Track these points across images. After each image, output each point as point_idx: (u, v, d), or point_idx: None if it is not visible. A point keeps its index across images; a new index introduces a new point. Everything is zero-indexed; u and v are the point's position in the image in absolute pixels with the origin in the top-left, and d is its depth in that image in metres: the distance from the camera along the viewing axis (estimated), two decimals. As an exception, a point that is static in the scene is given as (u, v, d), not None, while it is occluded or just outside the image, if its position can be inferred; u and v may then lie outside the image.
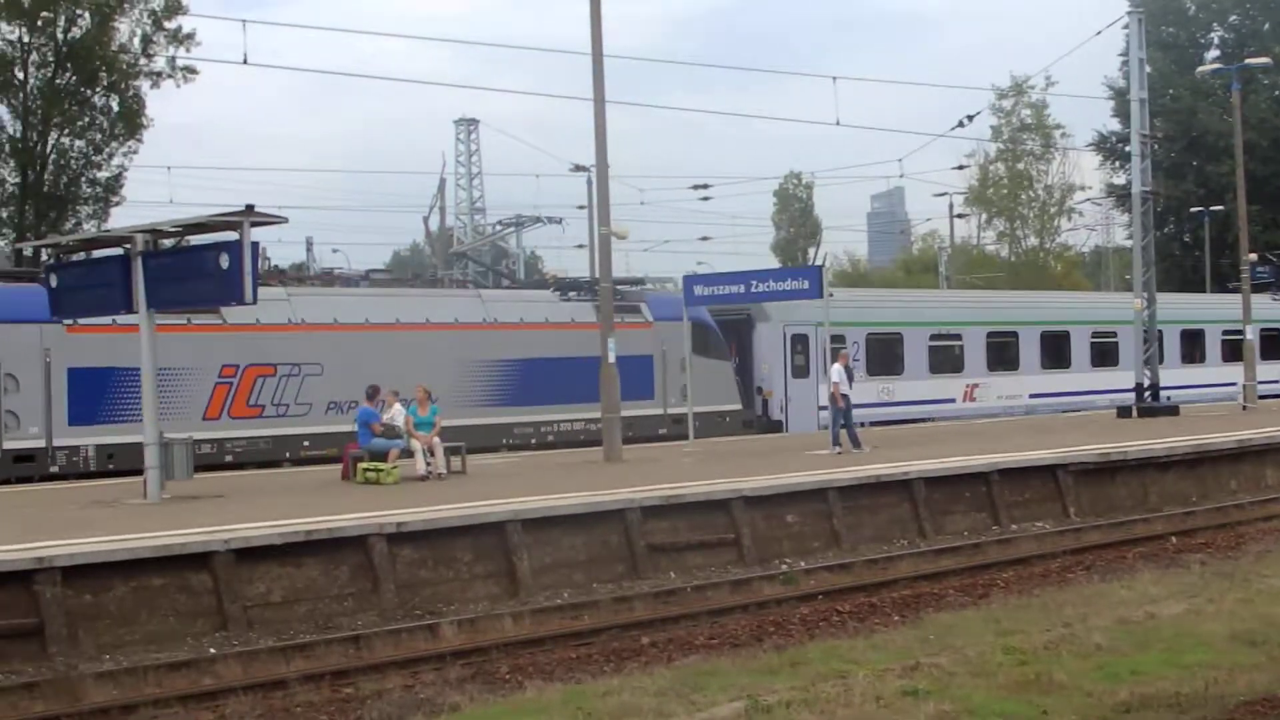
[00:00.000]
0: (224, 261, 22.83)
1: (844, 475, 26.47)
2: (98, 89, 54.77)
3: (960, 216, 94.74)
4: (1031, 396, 50.14)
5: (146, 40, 55.11)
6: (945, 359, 48.56)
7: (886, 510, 26.34)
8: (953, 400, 47.22)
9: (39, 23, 52.73)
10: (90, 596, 17.92)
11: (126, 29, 54.86)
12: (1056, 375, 51.54)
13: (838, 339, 39.66)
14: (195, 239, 25.03)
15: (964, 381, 48.95)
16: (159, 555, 18.53)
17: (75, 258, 27.92)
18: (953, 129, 52.37)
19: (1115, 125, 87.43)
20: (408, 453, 27.95)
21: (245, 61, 38.51)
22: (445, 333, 37.05)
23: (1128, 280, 63.86)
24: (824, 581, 22.71)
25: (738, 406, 42.83)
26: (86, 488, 27.79)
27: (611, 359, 31.93)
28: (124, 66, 54.70)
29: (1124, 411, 44.48)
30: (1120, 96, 77.15)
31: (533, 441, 37.65)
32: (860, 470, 27.15)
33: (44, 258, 30.69)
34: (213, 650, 17.79)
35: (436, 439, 28.36)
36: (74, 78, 53.97)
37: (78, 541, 18.79)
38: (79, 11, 53.33)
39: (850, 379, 33.30)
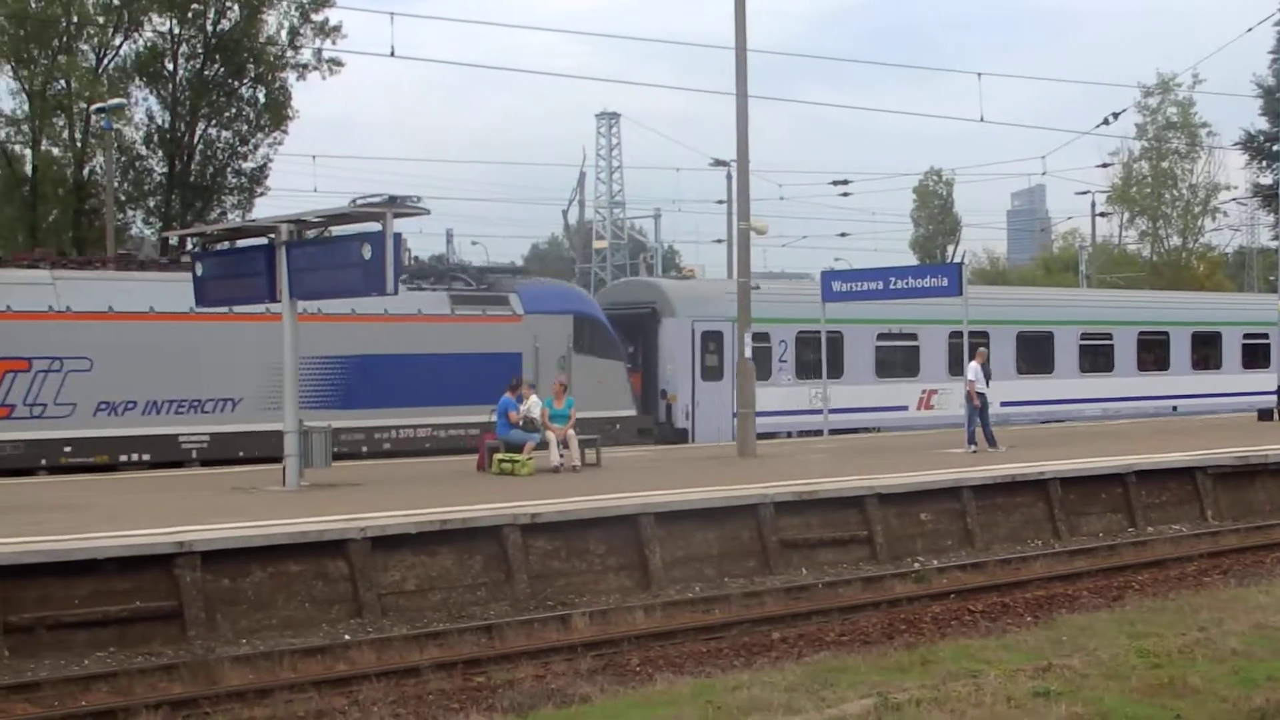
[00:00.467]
0: (366, 252, 23.06)
1: (978, 474, 26.34)
2: (245, 80, 55.57)
3: (1102, 215, 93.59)
4: (1003, 405, 42.74)
5: (294, 32, 55.78)
6: (897, 361, 43.48)
7: (1021, 510, 26.19)
8: (905, 408, 42.16)
9: (189, 15, 53.59)
10: (228, 581, 18.25)
11: (274, 21, 55.65)
12: (1036, 381, 46.69)
13: (978, 336, 39.13)
14: (338, 229, 25.31)
15: (920, 387, 43.88)
16: (296, 542, 18.85)
17: (220, 247, 28.32)
18: (1097, 126, 51.62)
19: (1263, 124, 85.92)
20: (543, 445, 28.11)
21: (392, 54, 38.89)
22: (251, 325, 31.17)
23: (1271, 281, 62.86)
24: (956, 580, 22.61)
25: (631, 412, 37.95)
26: (226, 474, 28.19)
27: (748, 354, 31.92)
28: (271, 58, 55.42)
29: (1265, 414, 43.76)
30: (1270, 95, 75.88)
31: (364, 450, 33.25)
32: (995, 469, 27.00)
33: (189, 246, 30.94)
34: (347, 636, 18.07)
35: (571, 431, 28.49)
36: (222, 69, 54.79)
37: (217, 527, 19.14)
38: (228, 4, 54.14)
39: (988, 378, 33.03)
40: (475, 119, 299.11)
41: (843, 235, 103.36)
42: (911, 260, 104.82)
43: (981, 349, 34.51)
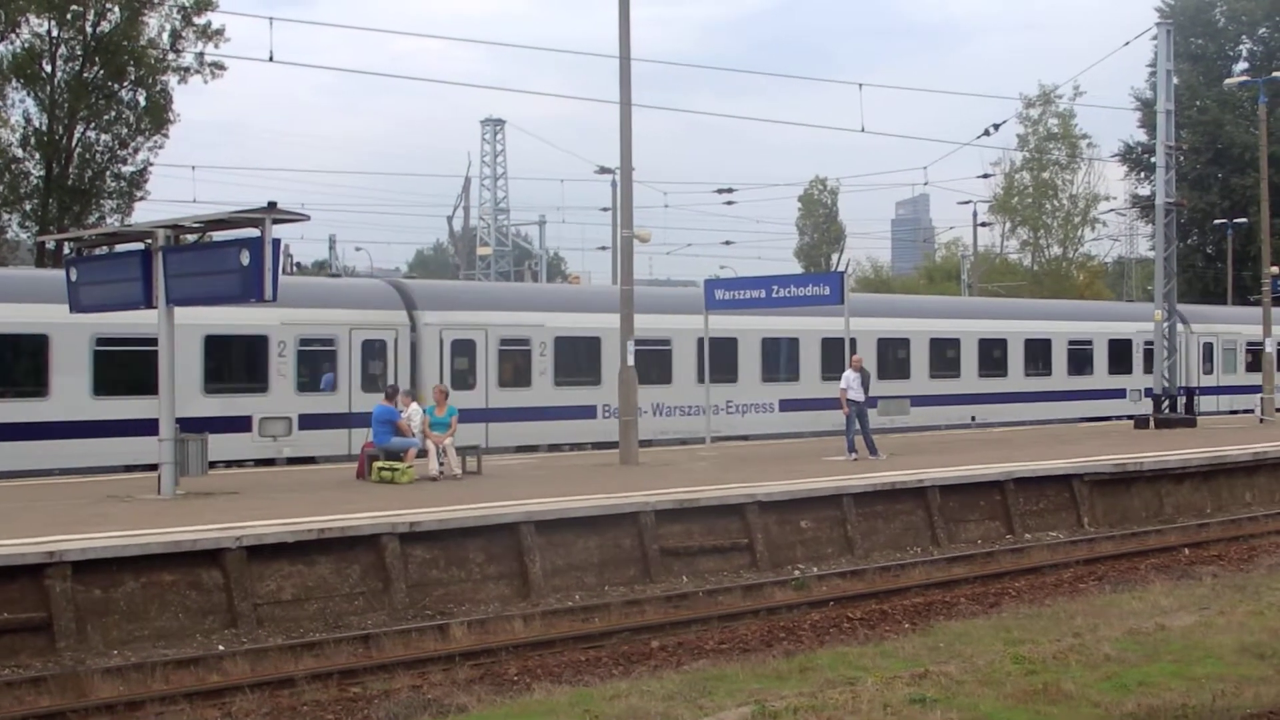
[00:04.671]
0: (245, 258, 22.87)
1: (859, 482, 26.42)
2: (125, 83, 54.95)
3: (984, 225, 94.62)
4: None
5: (175, 35, 55.29)
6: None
7: (901, 517, 26.32)
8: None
9: (68, 16, 52.94)
10: (100, 591, 17.95)
11: (155, 24, 55.11)
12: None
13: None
14: (217, 235, 25.06)
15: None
16: (170, 551, 18.56)
17: (97, 251, 27.95)
18: (979, 137, 52.27)
19: (1141, 136, 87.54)
20: (423, 453, 27.96)
21: (271, 59, 38.69)
22: None
23: (1149, 291, 63.86)
24: (836, 588, 22.70)
25: None
26: (101, 482, 27.84)
27: (630, 361, 31.88)
28: (152, 61, 54.86)
29: (1141, 422, 44.42)
30: (1147, 107, 77.16)
31: None
32: (876, 477, 27.10)
33: (66, 251, 30.54)
34: (221, 647, 17.82)
35: (449, 440, 28.31)
36: (101, 72, 54.14)
37: (89, 536, 18.82)
38: (108, 5, 53.51)
39: (866, 385, 33.05)
40: (366, 125, 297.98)
41: (727, 243, 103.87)
42: (796, 268, 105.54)
43: (856, 355, 34.56)
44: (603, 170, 70.12)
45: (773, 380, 43.92)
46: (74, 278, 26.42)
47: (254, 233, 23.10)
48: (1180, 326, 51.12)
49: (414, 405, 28.61)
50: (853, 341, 37.74)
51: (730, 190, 79.00)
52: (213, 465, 27.67)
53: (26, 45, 53.55)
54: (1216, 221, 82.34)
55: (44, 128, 54.06)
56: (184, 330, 28.00)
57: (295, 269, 74.14)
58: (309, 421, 34.82)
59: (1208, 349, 58.08)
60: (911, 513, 26.52)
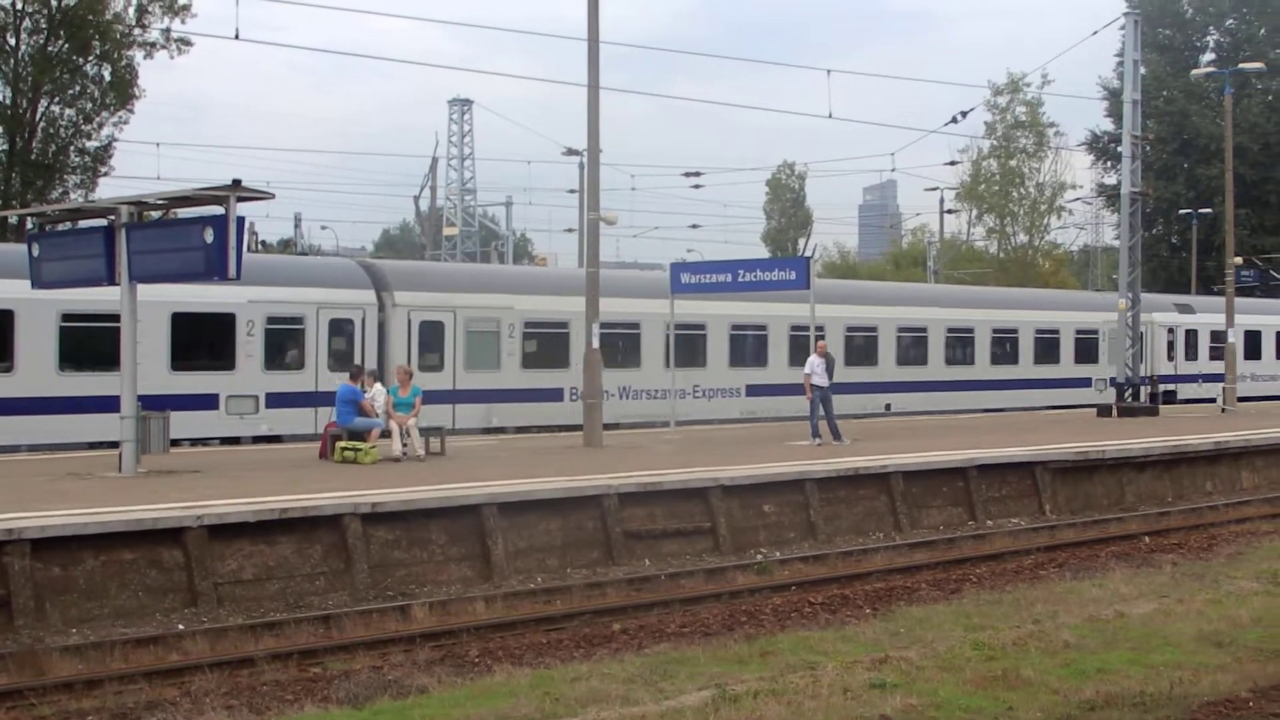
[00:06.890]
0: (208, 235, 22.75)
1: (822, 467, 26.45)
2: (90, 57, 54.67)
3: (951, 212, 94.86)
4: None
5: (141, 10, 55.04)
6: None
7: (863, 503, 26.36)
8: None
9: (33, -12, 52.67)
10: (59, 569, 17.84)
11: (121, -2, 54.82)
12: None
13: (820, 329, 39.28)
14: (181, 212, 24.95)
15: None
16: (130, 530, 18.44)
17: (59, 227, 27.81)
18: (946, 124, 52.37)
19: (1108, 125, 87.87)
20: (387, 433, 27.88)
21: (237, 37, 38.49)
22: None
23: (1114, 280, 64.06)
24: (798, 572, 22.72)
25: None
26: (61, 459, 27.70)
27: (595, 344, 31.85)
28: (117, 35, 54.58)
29: (1104, 410, 44.58)
30: (1114, 97, 77.55)
31: None
32: (839, 462, 27.14)
33: (28, 226, 30.39)
34: (181, 626, 17.72)
35: (412, 420, 28.22)
36: (66, 45, 53.86)
37: (48, 513, 18.72)
38: (74, -23, 53.24)
39: (831, 370, 33.10)
40: (335, 104, 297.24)
41: (694, 227, 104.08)
42: (763, 253, 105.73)
43: (821, 339, 34.54)
44: (570, 152, 70.10)
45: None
46: (36, 253, 26.29)
47: (218, 210, 22.98)
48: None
49: (378, 385, 28.53)
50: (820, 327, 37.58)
51: (698, 174, 79.17)
52: (176, 443, 27.78)
53: (-11, 18, 53.27)
54: (1182, 211, 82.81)
55: (7, 101, 53.77)
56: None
57: (260, 247, 73.93)
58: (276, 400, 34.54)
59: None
60: (874, 498, 26.57)
